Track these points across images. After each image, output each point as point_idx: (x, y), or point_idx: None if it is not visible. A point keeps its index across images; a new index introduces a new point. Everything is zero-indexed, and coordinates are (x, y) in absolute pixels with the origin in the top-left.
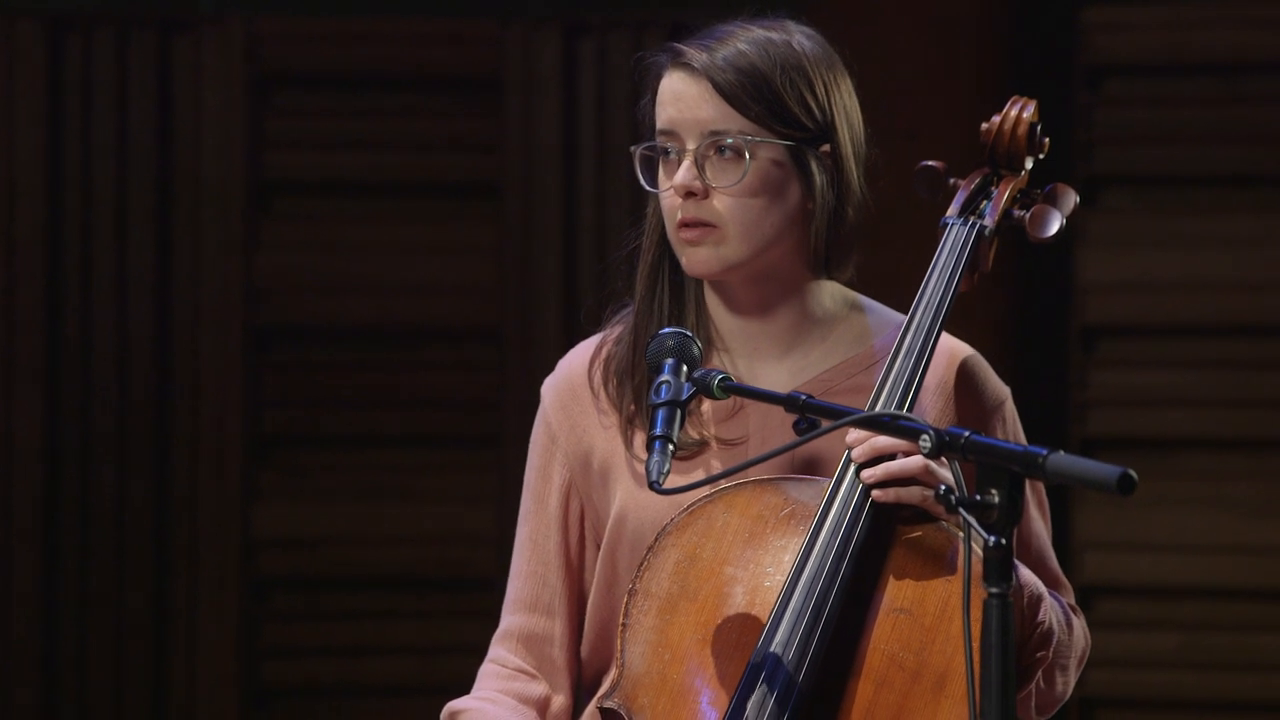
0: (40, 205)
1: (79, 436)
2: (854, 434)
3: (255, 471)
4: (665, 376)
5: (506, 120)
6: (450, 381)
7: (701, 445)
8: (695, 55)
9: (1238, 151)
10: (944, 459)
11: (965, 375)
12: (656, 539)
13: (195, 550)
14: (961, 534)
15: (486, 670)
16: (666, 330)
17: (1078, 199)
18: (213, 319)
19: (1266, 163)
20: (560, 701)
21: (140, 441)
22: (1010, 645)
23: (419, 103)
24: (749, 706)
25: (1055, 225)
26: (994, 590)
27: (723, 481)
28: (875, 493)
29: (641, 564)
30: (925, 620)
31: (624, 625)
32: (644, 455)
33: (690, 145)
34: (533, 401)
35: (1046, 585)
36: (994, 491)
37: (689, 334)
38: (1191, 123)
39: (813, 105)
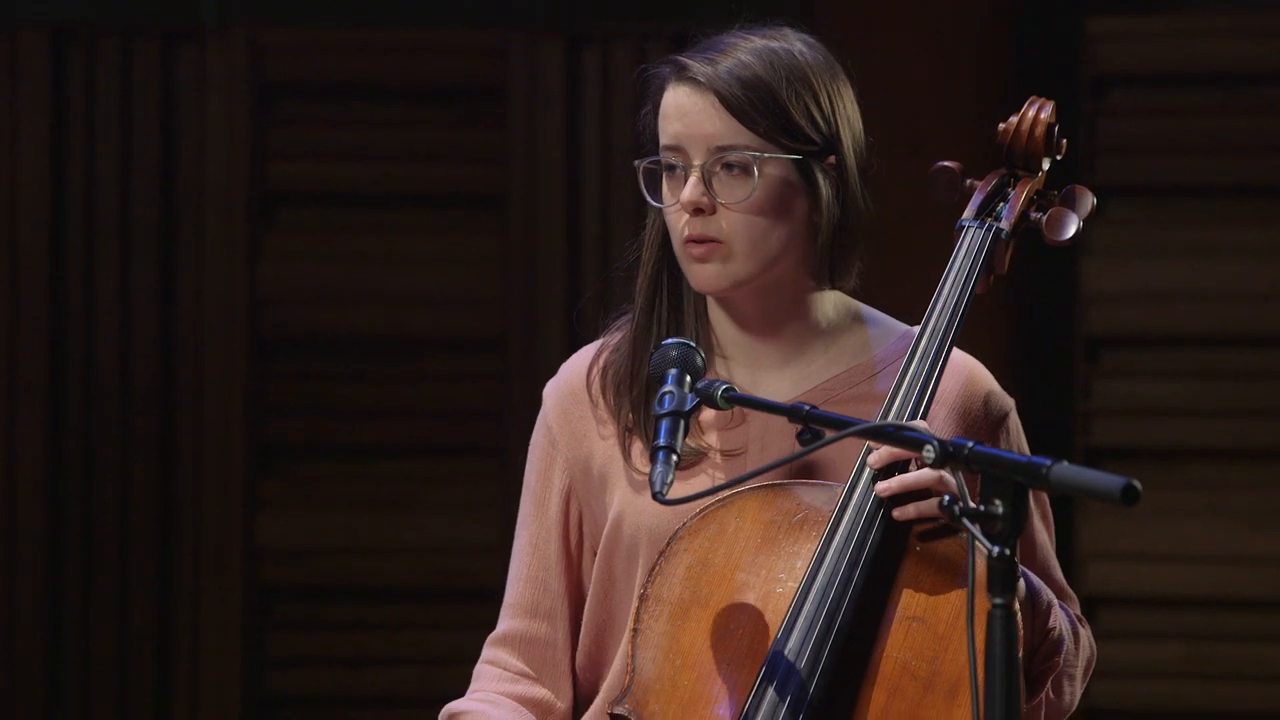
0: (44, 215)
1: (82, 446)
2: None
3: (259, 481)
4: (669, 387)
5: (510, 131)
6: (454, 391)
7: (700, 455)
8: (699, 68)
9: (1241, 162)
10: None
11: (971, 388)
12: (668, 544)
13: (199, 560)
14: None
15: (485, 672)
16: (670, 341)
17: (1094, 201)
18: (216, 329)
19: (1270, 173)
20: (561, 708)
21: (144, 451)
22: (1015, 656)
23: (423, 114)
24: (761, 714)
25: (1073, 228)
26: (998, 601)
27: (726, 490)
28: (894, 511)
29: (653, 569)
30: (938, 628)
31: (635, 630)
32: (641, 465)
33: (697, 161)
34: (536, 411)
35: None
36: (998, 502)
37: (693, 345)
38: (1195, 133)
39: (818, 117)
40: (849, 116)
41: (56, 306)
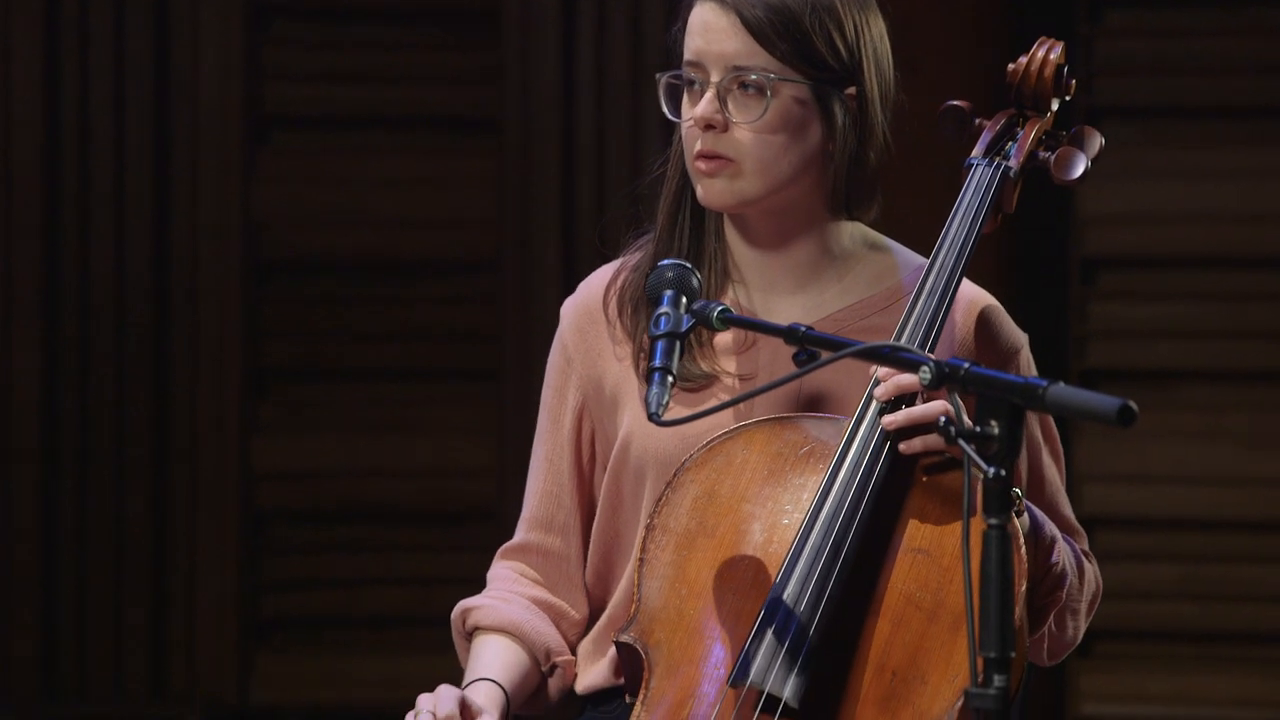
0: (38, 139)
1: (78, 370)
2: (883, 371)
3: (255, 405)
4: (664, 308)
5: (505, 53)
6: (449, 314)
7: (710, 379)
8: None
9: (1238, 83)
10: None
11: (983, 323)
12: (675, 475)
13: (195, 483)
14: (979, 474)
15: (501, 574)
16: (666, 262)
17: (1103, 141)
18: (211, 252)
19: (1266, 94)
20: (576, 617)
21: (139, 375)
22: (1010, 575)
23: (418, 35)
24: (765, 643)
25: (1080, 168)
26: (993, 522)
27: (731, 413)
28: (901, 444)
29: (659, 499)
30: (943, 560)
31: (641, 560)
32: None
33: (714, 78)
34: (531, 334)
35: (1059, 530)
36: (994, 423)
37: (688, 266)
38: (1192, 54)
39: (840, 46)
40: (875, 49)
41: (51, 231)
